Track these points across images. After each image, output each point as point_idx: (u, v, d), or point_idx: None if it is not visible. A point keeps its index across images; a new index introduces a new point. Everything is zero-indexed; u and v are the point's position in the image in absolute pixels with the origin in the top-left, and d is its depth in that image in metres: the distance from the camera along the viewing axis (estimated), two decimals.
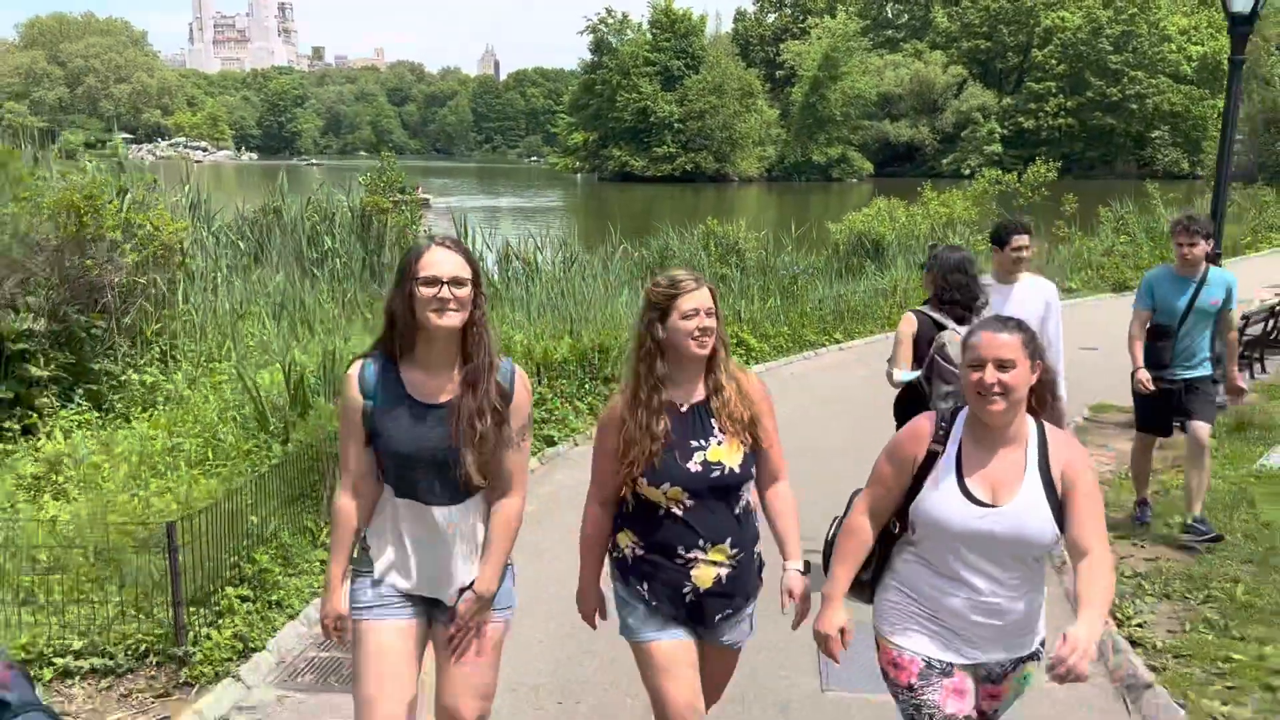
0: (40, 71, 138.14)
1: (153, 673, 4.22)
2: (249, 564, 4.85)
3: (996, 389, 2.47)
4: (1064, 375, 4.87)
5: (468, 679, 2.82)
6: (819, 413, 9.12)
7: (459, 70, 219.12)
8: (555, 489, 6.91)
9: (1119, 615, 4.81)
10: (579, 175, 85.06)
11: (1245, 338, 10.14)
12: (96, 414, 7.02)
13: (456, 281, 2.64)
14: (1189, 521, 5.71)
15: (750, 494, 2.92)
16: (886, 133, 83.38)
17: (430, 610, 2.85)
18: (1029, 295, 5.23)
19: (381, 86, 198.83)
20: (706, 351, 2.81)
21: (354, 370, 2.77)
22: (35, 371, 6.79)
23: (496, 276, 13.61)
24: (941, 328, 4.58)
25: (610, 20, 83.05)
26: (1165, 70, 79.43)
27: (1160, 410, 5.90)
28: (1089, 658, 2.20)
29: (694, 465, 2.79)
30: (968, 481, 2.55)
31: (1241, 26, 7.97)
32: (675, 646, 2.86)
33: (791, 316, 12.93)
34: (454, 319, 2.65)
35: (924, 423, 2.68)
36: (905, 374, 4.64)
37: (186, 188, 13.09)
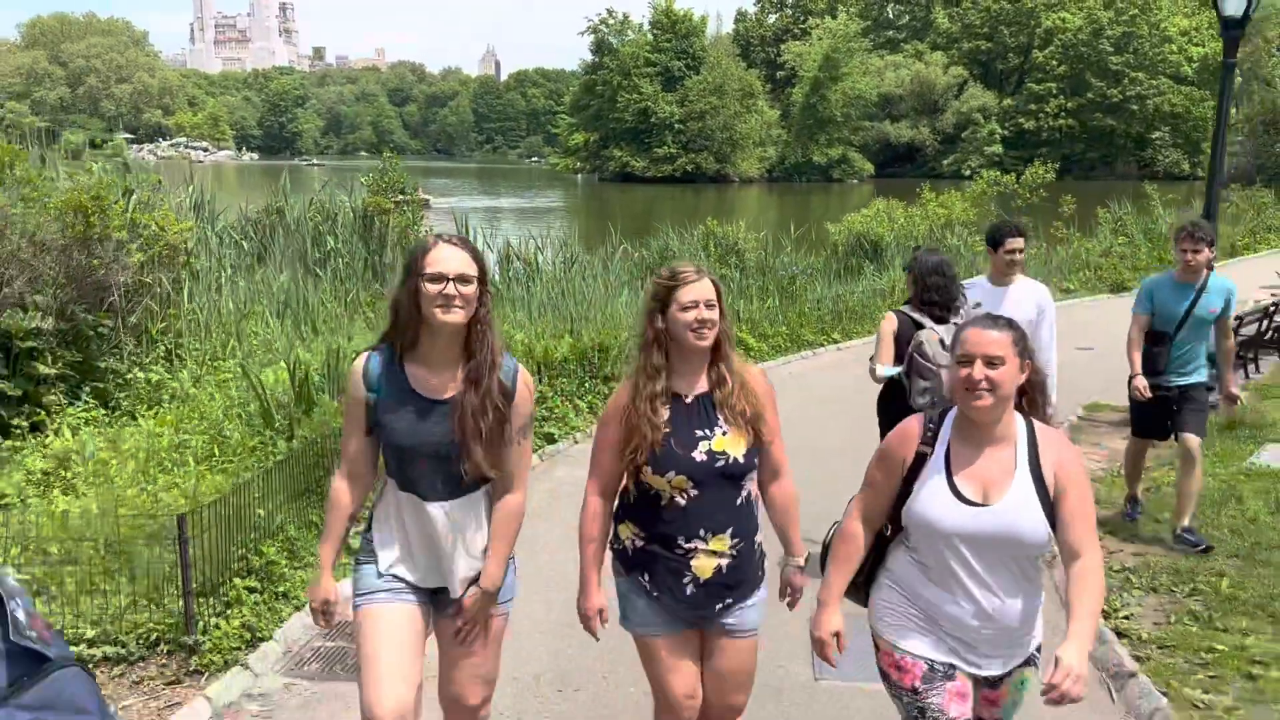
0: (41, 71, 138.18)
1: (164, 660, 4.34)
2: (256, 556, 4.95)
3: (984, 385, 2.47)
4: (1056, 379, 4.93)
5: (474, 668, 2.91)
6: (817, 412, 9.20)
7: (460, 70, 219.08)
8: (555, 485, 7.03)
9: (1106, 608, 4.89)
10: (579, 176, 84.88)
11: (1240, 338, 10.19)
12: (103, 411, 7.09)
13: (462, 278, 2.67)
14: (1179, 532, 5.73)
15: (752, 485, 2.93)
16: (887, 133, 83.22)
17: (433, 600, 2.91)
18: (1023, 297, 5.34)
19: (382, 87, 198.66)
20: (706, 343, 2.81)
21: (359, 363, 2.81)
22: (43, 369, 6.86)
23: (497, 276, 13.65)
24: (920, 326, 4.79)
25: (611, 21, 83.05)
26: (1166, 71, 79.30)
27: (1156, 416, 5.92)
28: (1083, 681, 2.25)
29: (699, 454, 2.80)
30: (957, 481, 2.55)
31: (1233, 30, 8.09)
32: (676, 640, 2.93)
33: (790, 316, 13.00)
34: (459, 315, 2.68)
35: (912, 424, 2.68)
36: (887, 370, 4.89)
37: (190, 188, 13.18)
